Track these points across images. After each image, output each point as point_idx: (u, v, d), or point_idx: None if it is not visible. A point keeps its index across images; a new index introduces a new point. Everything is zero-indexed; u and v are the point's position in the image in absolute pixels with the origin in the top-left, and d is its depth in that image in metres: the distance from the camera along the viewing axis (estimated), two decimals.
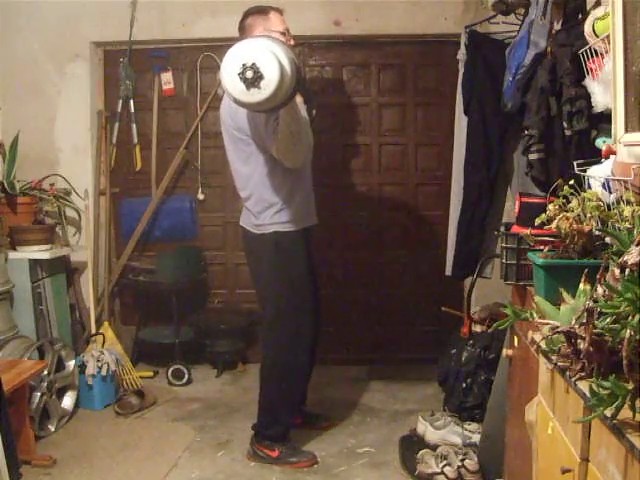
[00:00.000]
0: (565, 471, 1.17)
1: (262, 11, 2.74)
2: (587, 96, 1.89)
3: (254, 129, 2.58)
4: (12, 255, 3.32)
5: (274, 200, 2.68)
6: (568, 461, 1.19)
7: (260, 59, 2.11)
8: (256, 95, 2.14)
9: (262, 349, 2.86)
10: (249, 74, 2.08)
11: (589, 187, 1.69)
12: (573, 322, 1.16)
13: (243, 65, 2.09)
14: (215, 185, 4.01)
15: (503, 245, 2.02)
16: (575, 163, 1.84)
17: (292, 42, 2.71)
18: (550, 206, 1.64)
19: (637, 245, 1.10)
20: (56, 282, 3.54)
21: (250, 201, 2.74)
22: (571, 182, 1.66)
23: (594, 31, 1.80)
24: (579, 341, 1.14)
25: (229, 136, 2.72)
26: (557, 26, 2.31)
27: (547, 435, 1.36)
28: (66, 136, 3.85)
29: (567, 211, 1.59)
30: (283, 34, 2.69)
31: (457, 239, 3.02)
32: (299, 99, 2.61)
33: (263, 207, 2.70)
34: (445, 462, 2.56)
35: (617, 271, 1.11)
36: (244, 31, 2.74)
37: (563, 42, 2.10)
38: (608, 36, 1.60)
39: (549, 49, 2.21)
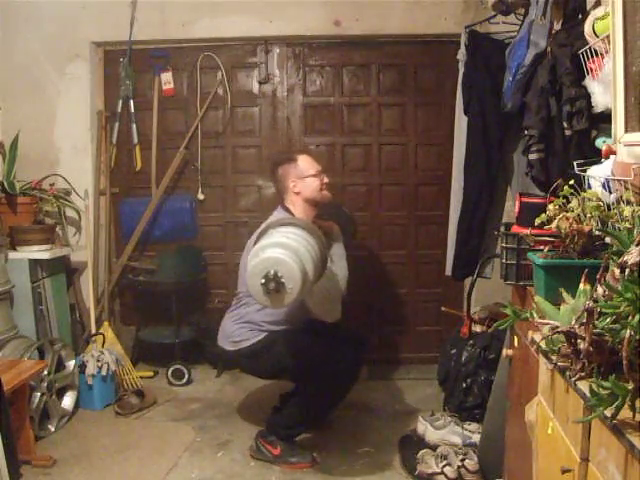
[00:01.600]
0: (565, 471, 1.17)
1: (290, 159, 2.85)
2: (587, 96, 1.89)
3: None
4: (12, 255, 3.32)
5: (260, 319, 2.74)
6: (568, 461, 1.19)
7: (282, 268, 2.10)
8: (278, 304, 2.18)
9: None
10: (271, 286, 2.10)
11: (589, 187, 1.69)
12: (573, 322, 1.16)
13: (265, 276, 2.09)
14: (215, 185, 4.01)
15: (503, 245, 2.02)
16: (575, 163, 1.84)
17: (325, 180, 2.83)
18: (550, 206, 1.64)
19: (637, 245, 1.10)
20: (56, 282, 3.54)
21: (240, 322, 2.78)
22: (571, 182, 1.66)
23: (594, 31, 1.81)
24: (579, 341, 1.14)
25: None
26: (557, 26, 2.31)
27: (547, 435, 1.36)
28: (66, 136, 3.85)
29: (567, 211, 1.59)
30: (315, 176, 2.79)
31: (457, 239, 3.02)
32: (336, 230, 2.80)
33: (252, 327, 2.75)
34: (445, 462, 2.56)
35: (617, 271, 1.11)
36: (278, 182, 2.86)
37: (563, 42, 2.10)
38: (608, 36, 1.60)
39: (549, 49, 2.21)
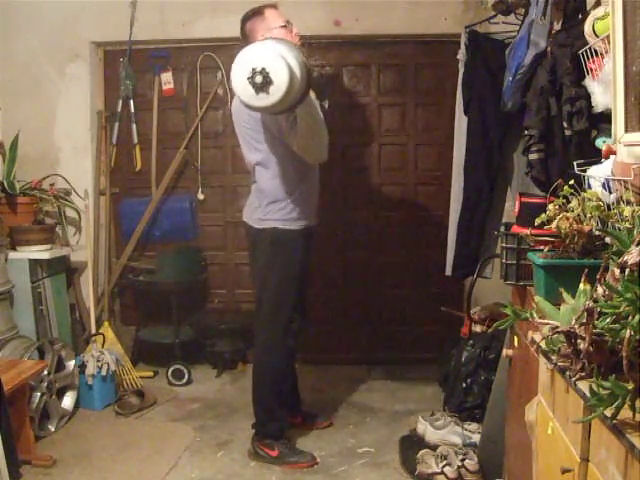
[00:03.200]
0: (565, 471, 1.17)
1: (257, 12, 2.75)
2: (587, 96, 1.89)
3: (275, 123, 2.59)
4: (12, 255, 3.32)
5: (280, 196, 2.70)
6: (568, 461, 1.19)
7: (269, 64, 2.12)
8: (265, 100, 2.17)
9: (254, 346, 2.88)
10: (258, 79, 2.09)
11: (589, 187, 1.69)
12: (573, 322, 1.16)
13: (253, 70, 2.10)
14: (215, 185, 4.01)
15: (503, 245, 2.02)
16: (575, 163, 1.84)
17: (295, 30, 2.73)
18: (550, 206, 1.64)
19: (637, 245, 1.10)
20: (56, 282, 3.54)
21: (256, 193, 2.76)
22: (571, 182, 1.66)
23: (594, 31, 1.81)
24: (579, 341, 1.14)
25: (243, 129, 2.75)
26: (557, 26, 2.31)
27: (547, 435, 1.36)
28: (66, 136, 3.85)
29: (567, 211, 1.59)
30: (284, 27, 2.70)
31: (457, 239, 3.02)
32: (312, 95, 2.61)
33: (268, 201, 2.71)
34: (445, 462, 2.56)
35: (617, 271, 1.11)
36: (247, 37, 2.76)
37: (563, 42, 2.10)
38: (608, 36, 1.60)
39: (549, 49, 2.21)
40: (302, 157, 2.60)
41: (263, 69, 2.10)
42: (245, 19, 2.78)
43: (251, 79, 2.09)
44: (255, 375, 2.84)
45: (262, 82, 2.09)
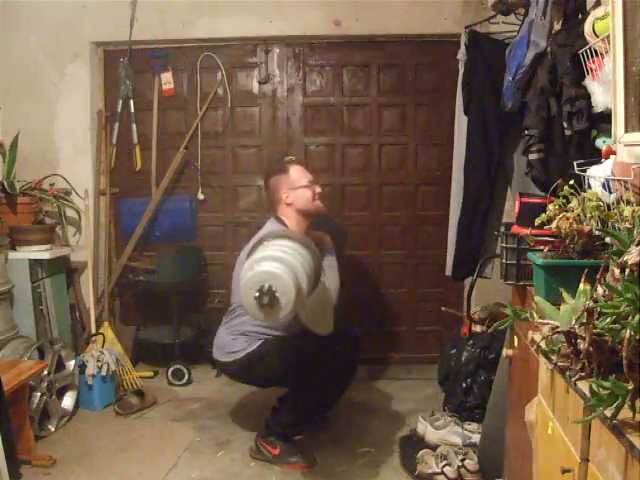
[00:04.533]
0: (565, 471, 1.17)
1: (282, 170, 2.83)
2: (587, 96, 1.89)
3: None
4: (12, 255, 3.32)
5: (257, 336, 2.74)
6: (568, 461, 1.19)
7: (276, 283, 2.08)
8: (271, 318, 2.15)
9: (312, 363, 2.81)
10: (265, 300, 2.07)
11: (589, 187, 1.69)
12: (573, 322, 1.16)
13: (259, 290, 2.07)
14: (215, 185, 4.01)
15: (503, 245, 2.02)
16: (575, 163, 1.84)
17: (318, 190, 2.82)
18: (550, 206, 1.64)
19: (637, 245, 1.10)
20: (56, 282, 3.54)
21: (232, 330, 2.80)
22: (571, 182, 1.66)
23: (594, 31, 1.81)
24: (579, 341, 1.14)
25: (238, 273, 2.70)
26: (557, 26, 2.31)
27: (547, 435, 1.36)
28: (66, 136, 3.85)
29: (567, 211, 1.59)
30: (307, 187, 2.79)
31: (457, 239, 3.02)
32: (327, 240, 2.82)
33: (243, 332, 2.75)
34: (445, 462, 2.56)
35: (617, 271, 1.11)
36: (270, 192, 2.85)
37: (563, 42, 2.10)
38: (608, 36, 1.60)
39: (549, 49, 2.21)
40: (308, 328, 2.60)
41: (270, 289, 2.07)
42: (270, 174, 2.87)
43: (258, 300, 2.08)
44: (306, 386, 2.75)
45: (269, 302, 2.07)
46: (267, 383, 2.94)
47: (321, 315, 2.59)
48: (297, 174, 2.82)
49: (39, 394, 2.91)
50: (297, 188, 2.78)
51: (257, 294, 2.06)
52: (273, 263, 2.11)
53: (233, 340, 2.79)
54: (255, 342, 2.74)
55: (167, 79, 3.95)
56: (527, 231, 1.81)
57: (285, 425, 2.79)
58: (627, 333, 0.98)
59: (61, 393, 3.14)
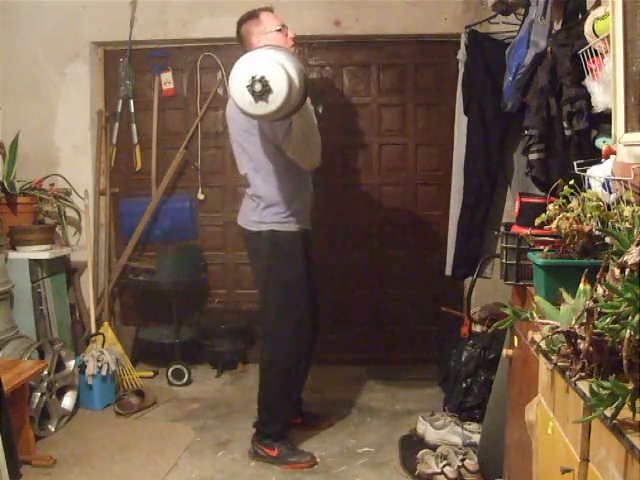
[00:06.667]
0: (565, 471, 1.17)
1: (252, 16, 2.75)
2: (587, 96, 1.89)
3: (270, 129, 2.59)
4: (12, 255, 3.32)
5: (275, 199, 2.70)
6: (568, 461, 1.19)
7: (269, 72, 2.11)
8: (264, 108, 2.16)
9: (261, 348, 2.87)
10: (257, 87, 2.08)
11: (589, 187, 1.69)
12: (573, 322, 1.16)
13: (252, 78, 2.09)
14: (215, 185, 4.01)
15: (503, 245, 2.02)
16: (575, 163, 1.84)
17: (290, 34, 2.72)
18: (550, 206, 1.64)
19: (637, 245, 1.10)
20: (56, 282, 3.54)
21: (251, 198, 2.76)
22: (571, 182, 1.66)
23: (594, 31, 1.81)
24: (579, 341, 1.14)
25: (238, 133, 2.73)
26: (557, 26, 2.31)
27: (547, 435, 1.36)
28: (66, 136, 3.85)
29: (567, 211, 1.59)
30: (280, 30, 2.70)
31: (457, 239, 3.02)
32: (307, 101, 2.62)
33: (264, 205, 2.71)
34: (445, 462, 2.56)
35: (617, 271, 1.11)
36: (242, 40, 2.77)
37: (563, 42, 2.10)
38: (608, 36, 1.60)
39: (549, 49, 2.21)
40: (296, 162, 2.60)
41: (262, 77, 2.10)
42: (241, 22, 2.78)
43: (250, 87, 2.09)
44: (262, 375, 2.84)
45: (261, 90, 2.09)
46: (257, 277, 2.89)
47: (306, 144, 2.54)
48: (268, 19, 2.72)
49: (39, 394, 2.91)
50: (269, 32, 2.68)
51: (249, 81, 2.07)
52: (264, 55, 2.16)
53: (262, 210, 2.71)
54: (282, 224, 2.70)
55: (167, 79, 3.95)
56: (527, 231, 1.81)
57: (265, 420, 2.80)
58: (627, 333, 0.98)
59: (61, 393, 3.14)
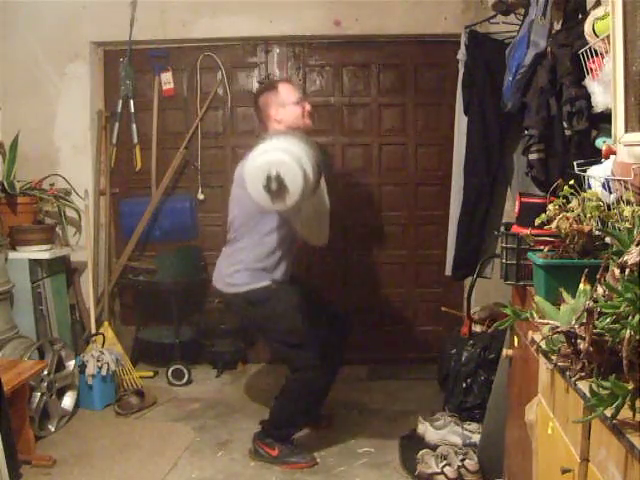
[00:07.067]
0: (565, 471, 1.17)
1: (271, 87, 2.83)
2: (587, 96, 1.89)
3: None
4: (12, 255, 3.32)
5: (259, 264, 2.70)
6: (568, 461, 1.19)
7: (284, 170, 2.10)
8: (280, 204, 2.16)
9: (289, 366, 2.82)
10: (274, 186, 2.08)
11: (589, 187, 1.69)
12: (573, 322, 1.16)
13: (268, 177, 2.08)
14: (215, 185, 4.01)
15: (503, 245, 2.02)
16: (575, 163, 1.84)
17: (308, 107, 2.80)
18: (550, 206, 1.64)
19: (637, 245, 1.10)
20: (56, 282, 3.54)
21: (234, 257, 2.76)
22: (571, 182, 1.66)
23: (594, 31, 1.80)
24: (579, 341, 1.14)
25: (243, 195, 2.63)
26: (557, 26, 2.31)
27: (547, 435, 1.36)
28: (66, 136, 3.85)
29: (567, 211, 1.59)
30: (297, 103, 2.77)
31: (457, 239, 3.02)
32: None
33: (244, 267, 2.72)
34: (445, 462, 2.56)
35: (617, 271, 1.11)
36: (260, 110, 2.82)
37: (563, 42, 2.10)
38: (608, 36, 1.60)
39: (549, 49, 2.21)
40: (304, 239, 2.61)
41: (278, 176, 2.08)
42: (259, 92, 2.85)
43: (267, 187, 2.08)
44: (288, 389, 2.79)
45: (277, 189, 2.08)
46: (257, 329, 2.93)
47: (317, 223, 2.56)
48: (286, 91, 2.78)
49: (39, 394, 2.91)
50: (287, 105, 2.75)
51: (265, 181, 2.06)
52: (280, 152, 2.13)
53: (236, 273, 2.74)
54: (259, 281, 2.70)
55: (167, 79, 3.94)
56: (527, 231, 1.81)
57: (277, 425, 2.79)
58: (627, 333, 0.98)
59: (61, 393, 3.14)
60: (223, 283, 2.80)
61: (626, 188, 1.41)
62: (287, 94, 2.78)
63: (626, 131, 1.50)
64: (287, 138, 2.33)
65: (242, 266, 2.72)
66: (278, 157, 2.13)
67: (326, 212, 2.65)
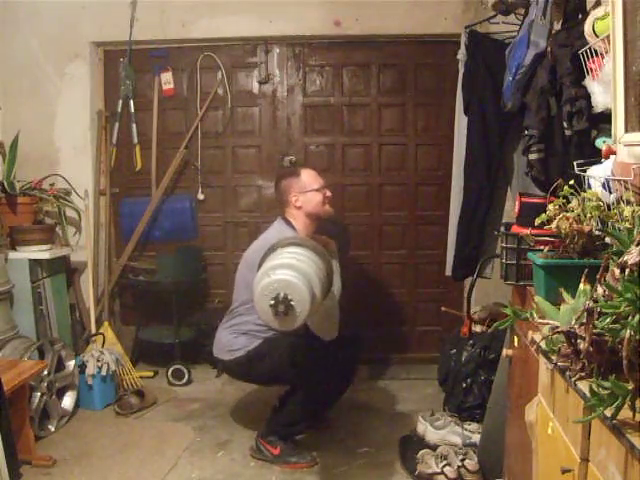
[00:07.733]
0: (565, 471, 1.17)
1: (294, 173, 2.86)
2: (587, 96, 1.89)
3: None
4: (12, 255, 3.32)
5: (256, 329, 2.74)
6: (568, 461, 1.19)
7: (291, 292, 2.07)
8: (287, 324, 2.13)
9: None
10: (281, 308, 2.06)
11: (589, 187, 1.69)
12: (573, 322, 1.16)
13: (275, 298, 2.06)
14: (215, 185, 4.01)
15: (503, 245, 2.02)
16: (575, 163, 1.84)
17: (329, 194, 2.84)
18: (550, 206, 1.63)
19: (637, 245, 1.10)
20: (56, 282, 3.54)
21: (234, 329, 2.82)
22: (571, 182, 1.66)
23: (594, 31, 1.80)
24: (579, 341, 1.14)
25: (247, 274, 2.70)
26: (557, 26, 2.31)
27: (547, 435, 1.35)
28: (66, 136, 3.85)
29: (567, 211, 1.59)
30: (318, 190, 2.81)
31: (457, 239, 3.02)
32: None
33: (242, 332, 2.78)
34: (445, 462, 2.56)
35: (617, 271, 1.10)
36: (281, 193, 2.86)
37: (563, 42, 2.10)
38: (608, 36, 1.60)
39: (549, 49, 2.21)
40: (315, 333, 2.61)
41: (285, 298, 2.06)
42: (281, 177, 2.89)
43: (274, 307, 2.06)
44: (304, 393, 2.77)
45: (284, 311, 2.06)
46: (267, 381, 2.95)
47: (327, 321, 2.60)
48: (309, 178, 2.84)
49: (39, 394, 2.91)
50: (307, 192, 2.80)
51: (272, 302, 2.05)
52: (288, 271, 2.10)
53: (235, 339, 2.80)
54: (256, 340, 2.75)
55: (167, 79, 3.95)
56: (527, 231, 1.81)
57: (286, 424, 2.80)
58: (627, 333, 0.98)
59: (61, 393, 3.14)
60: (224, 352, 2.84)
61: (626, 188, 1.41)
62: (309, 181, 2.82)
63: (626, 131, 1.50)
64: (300, 248, 2.28)
65: (241, 331, 2.79)
66: (287, 278, 2.08)
67: (335, 308, 2.66)
